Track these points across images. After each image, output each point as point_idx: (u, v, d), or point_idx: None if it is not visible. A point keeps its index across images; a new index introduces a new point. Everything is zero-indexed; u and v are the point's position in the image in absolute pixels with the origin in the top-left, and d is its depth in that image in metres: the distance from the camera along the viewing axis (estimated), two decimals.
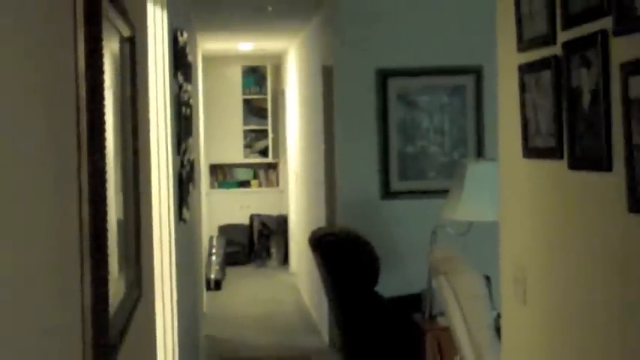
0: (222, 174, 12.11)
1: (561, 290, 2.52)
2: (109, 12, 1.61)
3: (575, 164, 2.36)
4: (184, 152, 4.68)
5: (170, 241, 3.63)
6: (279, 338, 7.99)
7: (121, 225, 1.84)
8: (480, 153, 6.57)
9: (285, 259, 11.60)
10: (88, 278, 1.35)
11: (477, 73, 6.56)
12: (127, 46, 1.98)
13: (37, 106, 1.12)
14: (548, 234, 2.62)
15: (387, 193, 6.57)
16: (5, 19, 0.97)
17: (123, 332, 1.72)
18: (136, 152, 2.02)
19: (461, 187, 5.19)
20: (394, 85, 6.54)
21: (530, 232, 2.78)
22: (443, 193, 6.06)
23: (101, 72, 1.47)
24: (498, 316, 4.52)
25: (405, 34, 6.53)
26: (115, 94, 1.81)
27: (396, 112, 6.55)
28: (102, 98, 1.47)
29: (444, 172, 6.47)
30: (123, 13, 1.85)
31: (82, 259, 1.34)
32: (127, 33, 1.95)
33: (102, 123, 1.46)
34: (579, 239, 2.38)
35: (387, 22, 6.53)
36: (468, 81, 6.59)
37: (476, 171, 5.17)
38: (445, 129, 6.62)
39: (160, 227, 3.54)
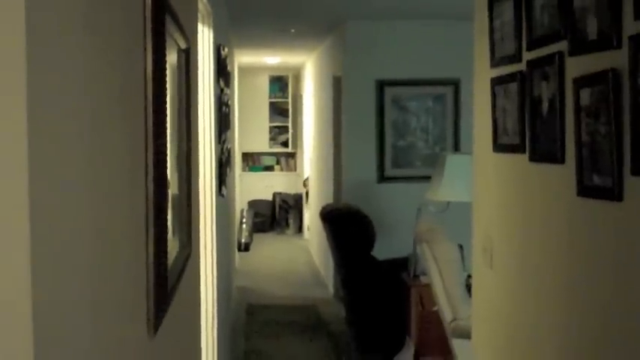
0: (251, 160, 12.10)
1: (521, 258, 2.51)
2: (170, 27, 1.61)
3: (534, 157, 2.34)
4: (224, 142, 4.67)
5: (212, 211, 3.63)
6: (293, 289, 8.00)
7: (176, 198, 1.83)
8: (456, 147, 6.55)
9: (299, 228, 11.60)
10: (152, 238, 1.35)
11: (455, 84, 6.52)
12: (183, 56, 1.97)
13: (116, 105, 1.11)
14: (512, 213, 2.60)
15: (383, 177, 6.56)
16: (97, 39, 0.97)
17: (177, 280, 1.71)
18: (188, 142, 2.02)
19: (441, 173, 5.17)
20: (389, 92, 6.51)
21: (497, 211, 2.76)
22: (426, 178, 6.04)
23: (164, 77, 1.47)
24: (469, 276, 4.52)
25: (399, 52, 6.50)
26: (173, 95, 1.81)
27: (390, 114, 6.53)
28: (165, 99, 1.47)
29: (428, 162, 6.45)
30: (180, 28, 1.84)
31: (147, 224, 1.34)
32: (183, 45, 1.94)
33: (164, 119, 1.46)
34: (536, 217, 2.37)
35: (385, 43, 6.50)
36: (448, 90, 6.55)
37: (453, 161, 5.15)
38: (429, 128, 6.59)
39: (205, 200, 3.54)
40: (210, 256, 3.57)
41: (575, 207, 2.04)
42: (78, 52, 0.88)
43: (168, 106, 1.65)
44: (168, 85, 1.66)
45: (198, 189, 2.73)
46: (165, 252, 1.44)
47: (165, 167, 1.46)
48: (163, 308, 1.43)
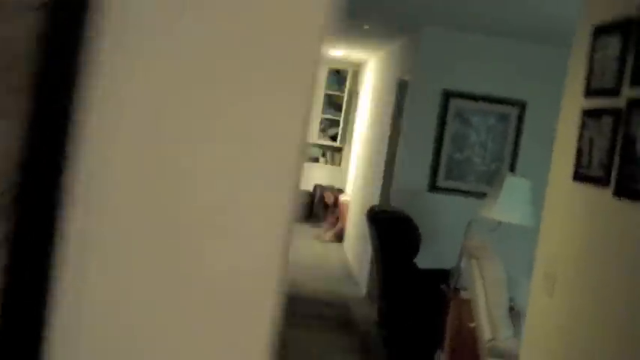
0: None
1: (589, 291, 2.52)
2: None
3: (619, 192, 2.35)
4: None
5: None
6: (324, 284, 8.04)
7: None
8: (512, 168, 6.53)
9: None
10: None
11: (521, 105, 6.50)
12: None
13: None
14: (583, 244, 2.61)
15: (434, 187, 6.56)
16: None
17: None
18: None
19: (498, 192, 5.17)
20: (454, 104, 6.51)
21: (567, 240, 2.77)
22: (477, 194, 6.07)
23: None
24: (510, 300, 4.53)
25: (470, 66, 6.49)
26: None
27: (452, 125, 6.53)
28: None
29: (481, 178, 6.45)
30: None
31: None
32: None
33: None
34: (611, 255, 2.38)
35: (457, 54, 6.50)
36: (513, 111, 6.53)
37: (512, 183, 5.15)
38: (488, 145, 6.58)
39: None
40: None
41: None
42: None
43: None
44: None
45: None
46: None
47: None
48: None
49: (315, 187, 11.92)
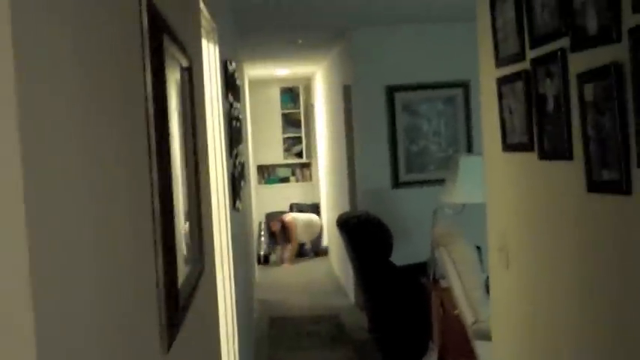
0: (267, 172, 12.13)
1: (534, 257, 2.51)
2: (169, 47, 1.63)
3: (543, 155, 2.34)
4: (236, 156, 4.69)
5: (227, 226, 3.65)
6: (315, 299, 8.01)
7: (186, 213, 1.85)
8: (469, 149, 6.54)
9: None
10: (161, 254, 1.36)
11: (464, 86, 6.52)
12: (187, 74, 1.99)
13: (119, 120, 1.13)
14: (524, 212, 2.60)
15: (397, 183, 6.56)
16: (100, 56, 0.99)
17: (190, 295, 1.73)
18: (196, 158, 2.04)
19: (455, 175, 5.16)
20: (400, 98, 6.52)
21: (510, 211, 2.76)
22: (441, 182, 6.05)
23: (164, 94, 1.48)
24: (488, 278, 4.51)
25: (406, 57, 6.51)
26: (179, 112, 1.83)
27: (402, 119, 6.54)
28: (166, 115, 1.49)
29: (442, 165, 6.45)
30: (182, 48, 1.86)
31: (155, 241, 1.35)
32: (185, 64, 1.96)
33: (167, 138, 1.47)
34: (548, 215, 2.36)
35: (391, 49, 6.51)
36: (458, 92, 6.55)
37: (467, 163, 5.15)
38: (441, 131, 6.59)
39: (219, 215, 3.56)
40: (227, 270, 3.59)
41: (585, 203, 2.04)
42: (74, 79, 0.90)
43: (175, 122, 1.67)
44: (174, 105, 1.68)
45: (210, 204, 2.75)
46: (175, 270, 1.45)
47: (170, 182, 1.48)
48: (176, 324, 1.45)
49: (292, 206, 11.88)
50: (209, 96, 3.49)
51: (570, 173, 2.12)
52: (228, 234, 3.65)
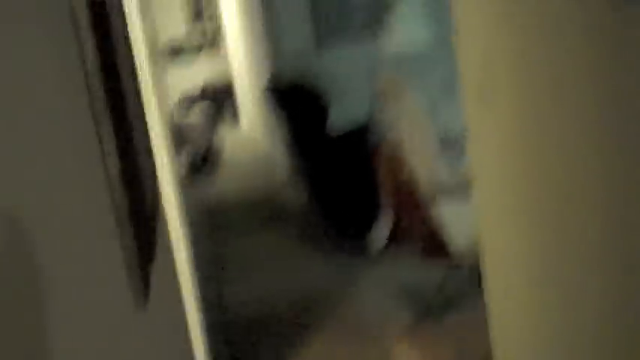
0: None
1: (530, 89, 2.02)
2: None
3: None
4: None
5: None
6: (243, 182, 7.56)
7: None
8: None
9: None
10: None
11: None
12: None
13: None
14: (513, 38, 2.09)
15: (321, 44, 5.94)
16: None
17: None
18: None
19: (393, 22, 4.64)
20: None
21: (490, 31, 2.25)
22: (371, 36, 5.49)
23: None
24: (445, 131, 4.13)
25: None
26: None
27: None
28: None
29: (367, 17, 5.84)
30: None
31: None
32: None
33: None
34: (554, 34, 1.85)
35: None
36: None
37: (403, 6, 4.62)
38: None
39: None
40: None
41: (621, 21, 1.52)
42: None
43: None
44: None
45: None
46: None
47: None
48: None
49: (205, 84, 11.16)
50: None
51: None
52: None
